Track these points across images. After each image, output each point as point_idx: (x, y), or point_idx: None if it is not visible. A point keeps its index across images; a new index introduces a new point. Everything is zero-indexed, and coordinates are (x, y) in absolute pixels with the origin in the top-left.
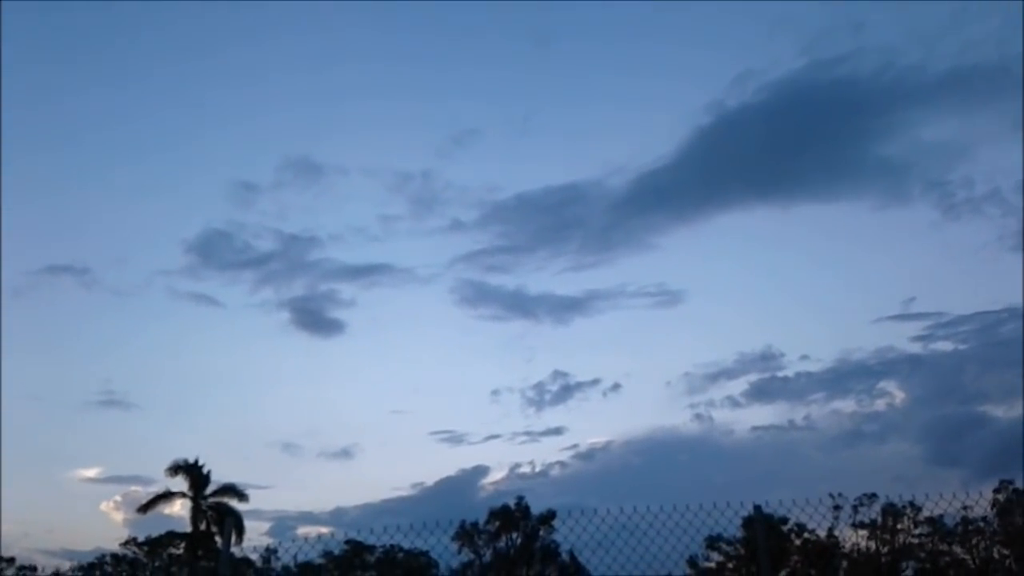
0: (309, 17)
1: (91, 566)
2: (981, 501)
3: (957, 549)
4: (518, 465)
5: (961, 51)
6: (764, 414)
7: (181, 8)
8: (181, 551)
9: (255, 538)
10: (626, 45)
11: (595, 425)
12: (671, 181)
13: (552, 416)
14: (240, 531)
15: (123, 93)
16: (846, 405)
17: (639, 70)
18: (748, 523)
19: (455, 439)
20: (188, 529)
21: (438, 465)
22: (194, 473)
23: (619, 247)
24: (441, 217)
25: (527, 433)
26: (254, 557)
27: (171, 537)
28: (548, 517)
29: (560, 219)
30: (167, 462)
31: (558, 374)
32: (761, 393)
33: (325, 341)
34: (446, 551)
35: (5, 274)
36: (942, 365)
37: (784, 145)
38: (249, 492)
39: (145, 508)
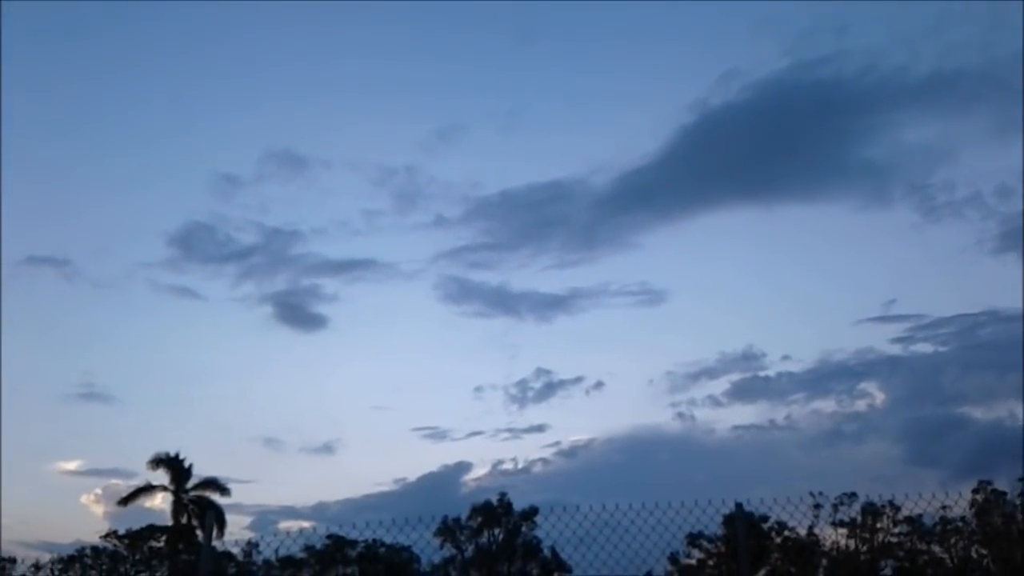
0: (295, 11)
1: (71, 559)
2: (960, 501)
3: (936, 548)
4: (501, 462)
5: (944, 54)
6: (745, 413)
7: (164, 2)
8: (162, 544)
9: (236, 532)
10: (611, 43)
11: (577, 423)
12: (655, 180)
13: (535, 413)
14: (221, 525)
15: (105, 85)
16: (827, 405)
17: (623, 68)
18: (729, 521)
19: (438, 435)
20: (169, 523)
21: (421, 461)
22: (175, 467)
23: (603, 245)
24: (425, 212)
25: (510, 430)
26: (235, 551)
27: (152, 530)
28: (530, 513)
29: (544, 216)
30: (148, 455)
31: (541, 371)
32: (743, 392)
33: (308, 336)
34: (428, 546)
35: None
36: (922, 367)
37: (767, 145)
38: (231, 486)
39: (126, 501)
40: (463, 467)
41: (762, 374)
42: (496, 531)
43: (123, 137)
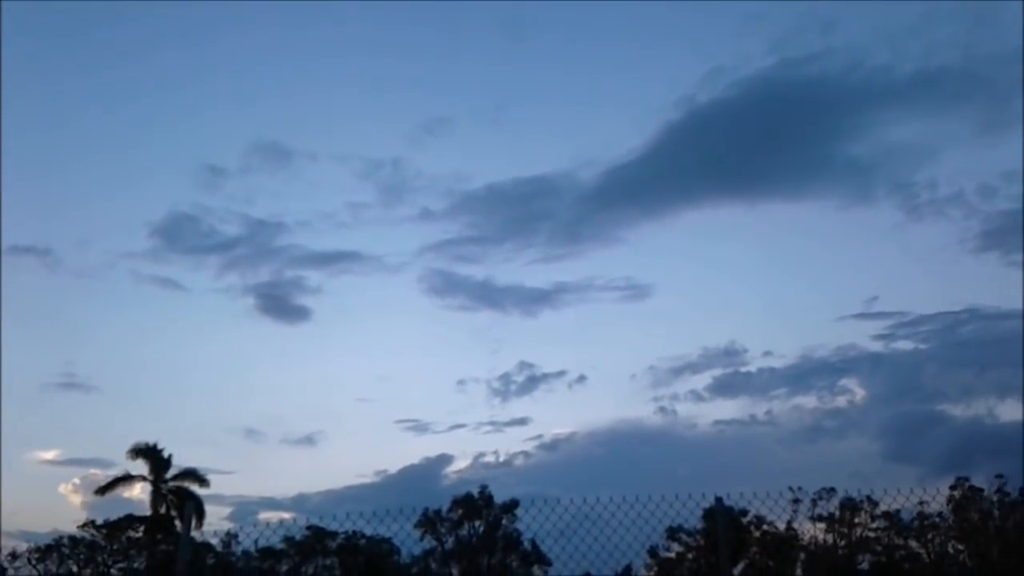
0: (283, 5)
1: (48, 548)
2: (938, 497)
3: (913, 543)
4: (482, 454)
5: (928, 53)
6: (727, 408)
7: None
8: (140, 535)
9: (216, 523)
10: (598, 40)
11: (560, 416)
12: (640, 175)
13: (517, 407)
14: (200, 515)
15: (92, 76)
16: (807, 401)
17: (610, 64)
18: (709, 515)
19: (420, 428)
20: (148, 513)
21: (402, 453)
22: (154, 457)
23: (588, 240)
24: (411, 206)
25: (492, 423)
26: (214, 541)
27: (130, 520)
28: (511, 506)
29: (529, 211)
30: (127, 445)
31: (524, 365)
32: (724, 388)
33: (291, 328)
34: (408, 538)
35: None
36: (902, 364)
37: (752, 142)
38: (210, 477)
39: (104, 490)
40: (444, 459)
41: (744, 370)
42: (477, 523)
43: (107, 127)
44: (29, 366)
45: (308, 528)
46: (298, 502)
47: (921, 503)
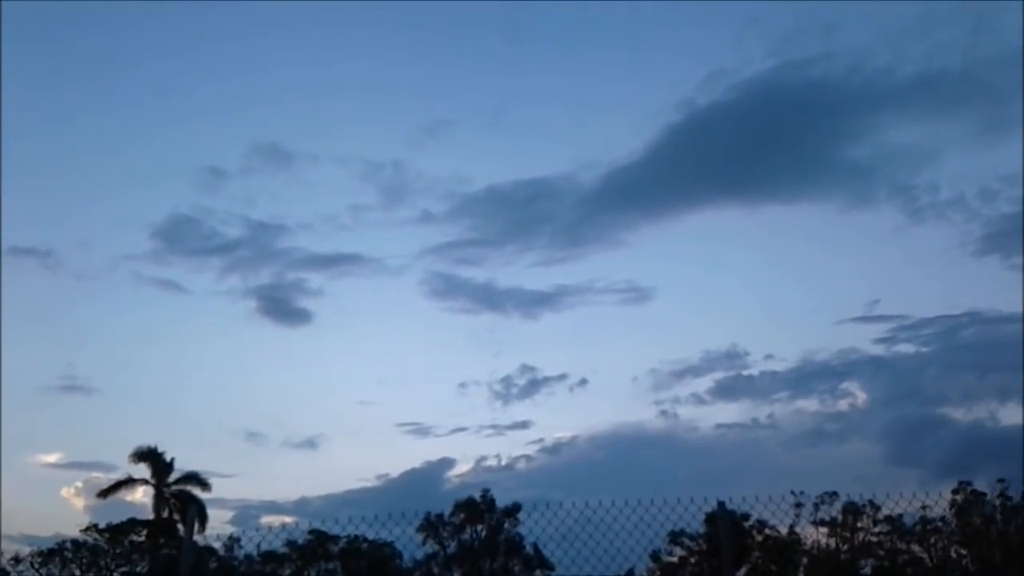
0: (283, 8)
1: (51, 552)
2: (940, 501)
3: (915, 548)
4: (484, 458)
5: (929, 55)
6: (728, 412)
7: (151, 1)
8: (143, 538)
9: (218, 527)
10: (598, 42)
11: (561, 419)
12: (641, 178)
13: (519, 410)
14: (203, 519)
15: (92, 78)
16: (809, 404)
17: (611, 67)
18: (711, 519)
19: (421, 431)
20: (150, 516)
21: (404, 457)
22: (157, 460)
23: (589, 243)
24: (411, 208)
25: (493, 426)
26: (217, 545)
27: (132, 524)
28: (513, 510)
29: (530, 213)
30: (129, 449)
31: (525, 368)
32: (726, 391)
33: (292, 330)
34: (411, 542)
35: None
36: (904, 367)
37: (753, 145)
38: (212, 481)
39: (106, 494)
40: (446, 463)
41: (745, 373)
42: (479, 528)
43: (109, 129)
44: (30, 368)
45: (310, 532)
46: (300, 506)
47: (923, 507)
